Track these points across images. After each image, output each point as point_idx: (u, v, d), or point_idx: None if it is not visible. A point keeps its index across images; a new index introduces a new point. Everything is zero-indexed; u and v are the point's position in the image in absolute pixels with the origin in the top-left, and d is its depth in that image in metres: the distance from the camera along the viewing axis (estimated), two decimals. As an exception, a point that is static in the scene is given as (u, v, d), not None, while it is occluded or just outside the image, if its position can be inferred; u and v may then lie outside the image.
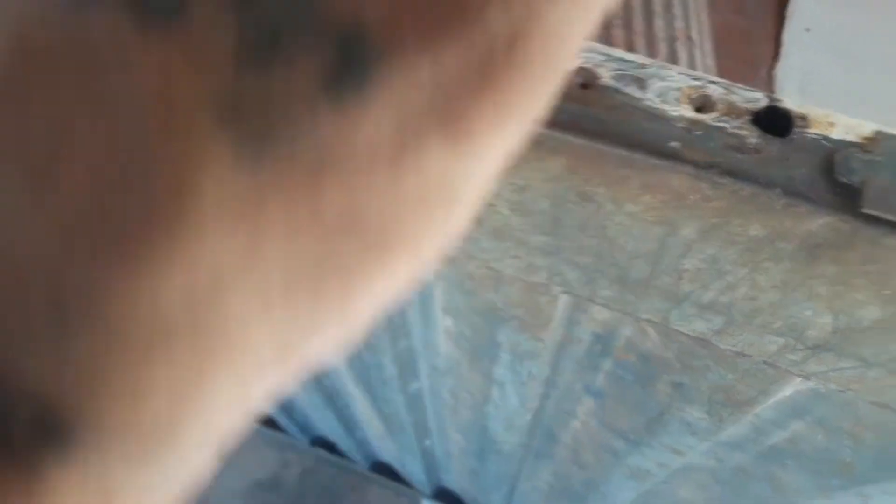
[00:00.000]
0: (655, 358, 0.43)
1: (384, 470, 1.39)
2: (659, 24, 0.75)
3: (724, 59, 0.77)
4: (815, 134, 0.24)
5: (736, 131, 0.24)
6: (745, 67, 0.82)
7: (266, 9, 0.10)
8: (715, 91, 0.25)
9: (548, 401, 0.60)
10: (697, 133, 0.25)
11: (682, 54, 0.71)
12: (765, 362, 0.33)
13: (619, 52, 0.26)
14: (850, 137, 0.24)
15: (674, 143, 0.24)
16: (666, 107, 0.25)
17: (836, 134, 0.24)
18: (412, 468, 1.18)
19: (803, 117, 0.24)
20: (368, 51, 0.11)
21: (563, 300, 0.40)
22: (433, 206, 0.12)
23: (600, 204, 0.28)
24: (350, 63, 0.11)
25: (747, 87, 0.25)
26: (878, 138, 0.24)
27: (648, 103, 0.25)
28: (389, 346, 0.62)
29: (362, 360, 0.68)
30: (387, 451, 1.20)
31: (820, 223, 0.24)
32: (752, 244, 0.27)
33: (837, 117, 0.24)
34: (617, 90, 0.25)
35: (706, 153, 0.24)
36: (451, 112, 0.12)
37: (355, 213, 0.11)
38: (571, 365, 0.51)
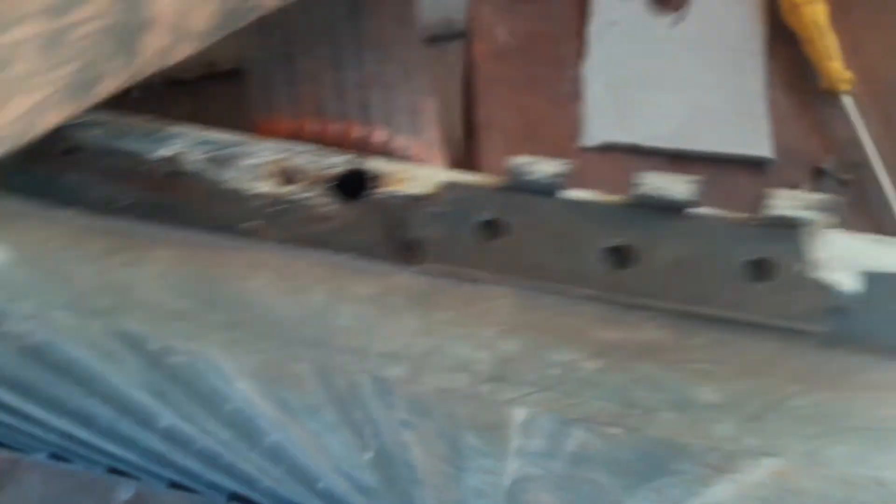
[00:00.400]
0: (420, 395, 0.44)
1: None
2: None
3: (532, 65, 0.79)
4: (386, 193, 0.24)
5: (313, 201, 0.25)
6: (552, 70, 0.84)
7: None
8: (302, 160, 0.25)
9: (381, 437, 0.60)
10: (278, 208, 0.25)
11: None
12: (468, 395, 0.34)
13: (210, 134, 0.26)
14: (419, 191, 0.24)
15: (255, 222, 0.25)
16: (248, 185, 0.25)
17: (408, 189, 0.24)
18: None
19: (375, 177, 0.25)
20: None
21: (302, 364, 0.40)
22: None
23: (228, 282, 0.28)
24: None
25: (333, 152, 0.26)
26: (442, 190, 0.24)
27: (228, 185, 0.25)
28: (210, 414, 0.61)
29: (196, 423, 0.67)
30: (297, 497, 1.18)
31: (403, 278, 0.24)
32: (376, 301, 0.27)
33: (414, 171, 0.25)
34: (199, 175, 0.25)
35: (283, 228, 0.24)
36: None
37: None
38: (373, 403, 0.51)
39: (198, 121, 0.27)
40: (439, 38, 1.11)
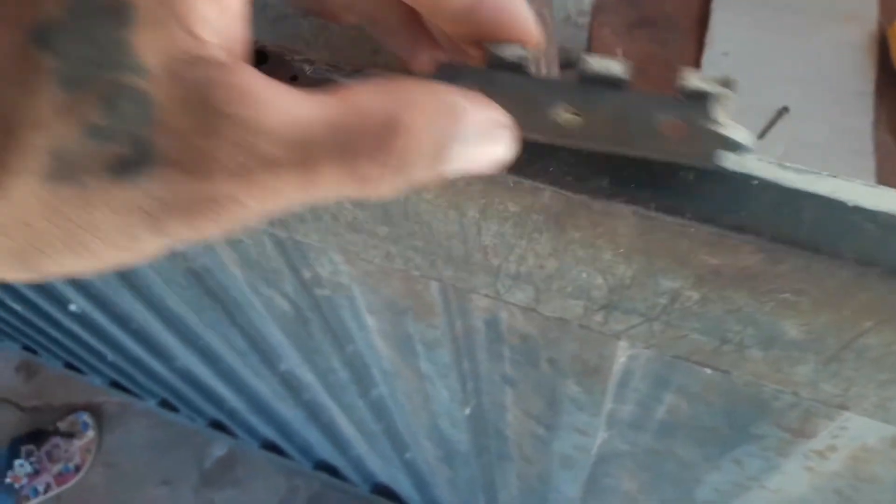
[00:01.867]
0: (529, 337, 0.49)
1: (384, 492, 1.45)
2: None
3: (647, 87, 0.84)
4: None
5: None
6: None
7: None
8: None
9: (481, 396, 0.66)
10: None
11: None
12: (581, 325, 0.39)
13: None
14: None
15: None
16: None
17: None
18: (403, 485, 1.24)
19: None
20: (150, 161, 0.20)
21: (434, 286, 0.46)
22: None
23: (406, 193, 0.35)
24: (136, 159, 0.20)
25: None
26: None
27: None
28: (334, 351, 0.69)
29: (319, 366, 0.75)
30: (379, 469, 1.25)
31: (547, 195, 0.30)
32: (517, 219, 0.33)
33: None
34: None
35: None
36: (164, 218, 0.20)
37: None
38: (482, 354, 0.57)
39: None
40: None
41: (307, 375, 0.85)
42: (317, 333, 0.65)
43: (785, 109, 0.75)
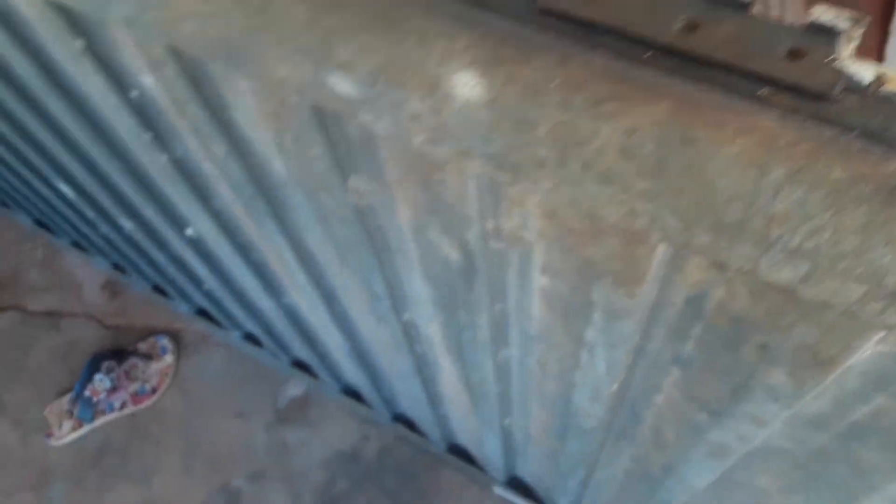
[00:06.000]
0: (744, 319, 0.46)
1: (460, 453, 1.44)
2: None
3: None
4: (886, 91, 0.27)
5: (822, 80, 0.28)
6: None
7: None
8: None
9: (635, 372, 0.63)
10: (794, 81, 0.28)
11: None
12: (846, 312, 0.36)
13: None
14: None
15: (766, 89, 0.28)
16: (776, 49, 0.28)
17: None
18: (490, 449, 1.22)
19: (880, 77, 0.27)
20: None
21: (660, 252, 0.43)
22: None
23: (700, 147, 0.32)
24: None
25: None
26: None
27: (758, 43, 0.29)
28: (484, 307, 0.67)
29: (458, 321, 0.73)
30: (466, 430, 1.24)
31: (887, 168, 0.27)
32: (835, 187, 0.30)
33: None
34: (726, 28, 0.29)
35: (791, 99, 0.28)
36: None
37: None
38: (662, 331, 0.54)
39: None
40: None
41: (431, 328, 0.83)
42: (477, 287, 0.63)
43: None
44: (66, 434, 1.83)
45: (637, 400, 0.69)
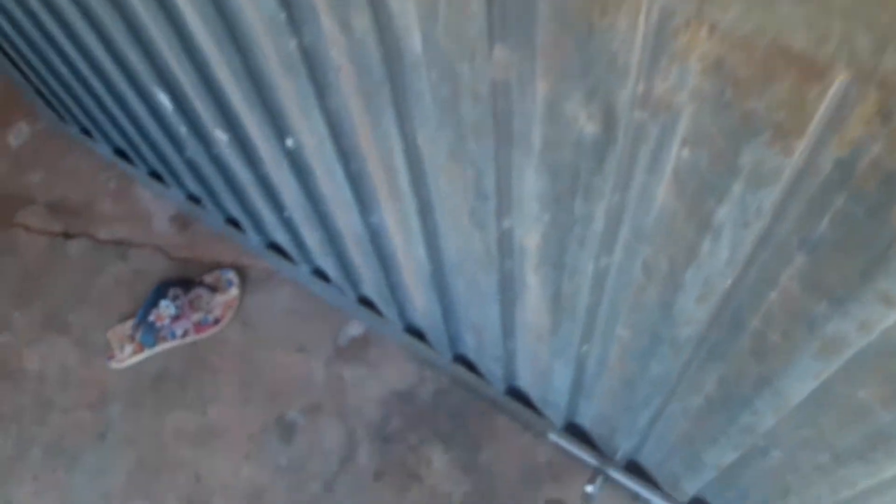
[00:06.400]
0: (900, 175, 0.47)
1: (517, 395, 1.46)
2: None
3: None
4: None
5: None
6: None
7: None
8: None
9: (753, 265, 0.64)
10: None
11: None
12: None
13: None
14: None
15: None
16: None
17: None
18: (556, 385, 1.23)
19: None
20: None
21: (834, 91, 0.44)
22: None
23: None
24: None
25: None
26: None
27: None
28: (606, 194, 0.68)
29: (571, 215, 0.74)
30: (534, 367, 1.25)
31: None
32: None
33: None
34: None
35: None
36: None
37: None
38: (800, 206, 0.55)
39: None
40: None
41: (529, 238, 0.85)
42: (607, 166, 0.64)
43: None
44: (127, 357, 1.88)
45: (744, 303, 0.69)
